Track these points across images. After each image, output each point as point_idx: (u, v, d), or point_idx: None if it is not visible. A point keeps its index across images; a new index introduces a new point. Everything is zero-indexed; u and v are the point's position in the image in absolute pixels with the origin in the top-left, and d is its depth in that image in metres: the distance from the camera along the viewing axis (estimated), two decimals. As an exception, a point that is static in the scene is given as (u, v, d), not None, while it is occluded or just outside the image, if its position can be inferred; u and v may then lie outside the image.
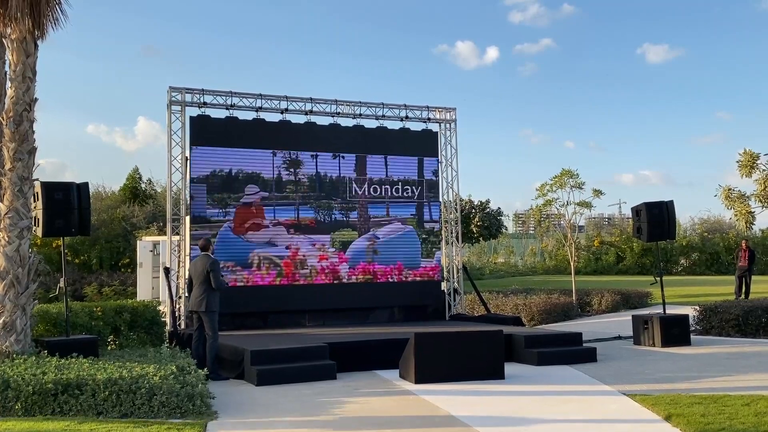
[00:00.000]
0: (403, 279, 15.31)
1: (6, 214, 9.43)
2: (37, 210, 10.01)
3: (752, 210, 15.53)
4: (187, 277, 11.42)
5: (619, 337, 13.92)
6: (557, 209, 20.15)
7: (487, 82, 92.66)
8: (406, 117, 15.89)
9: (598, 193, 19.53)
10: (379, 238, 15.19)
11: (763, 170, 15.12)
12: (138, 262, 20.58)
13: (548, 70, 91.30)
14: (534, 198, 20.65)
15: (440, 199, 16.08)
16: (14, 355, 8.92)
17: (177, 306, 13.22)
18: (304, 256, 14.51)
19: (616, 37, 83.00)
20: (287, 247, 14.40)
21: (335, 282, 14.71)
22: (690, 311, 14.30)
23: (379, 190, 15.33)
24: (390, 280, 15.18)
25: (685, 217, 38.89)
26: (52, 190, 10.07)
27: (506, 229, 35.66)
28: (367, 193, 15.22)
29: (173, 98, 13.90)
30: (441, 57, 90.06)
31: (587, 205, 19.66)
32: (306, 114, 15.06)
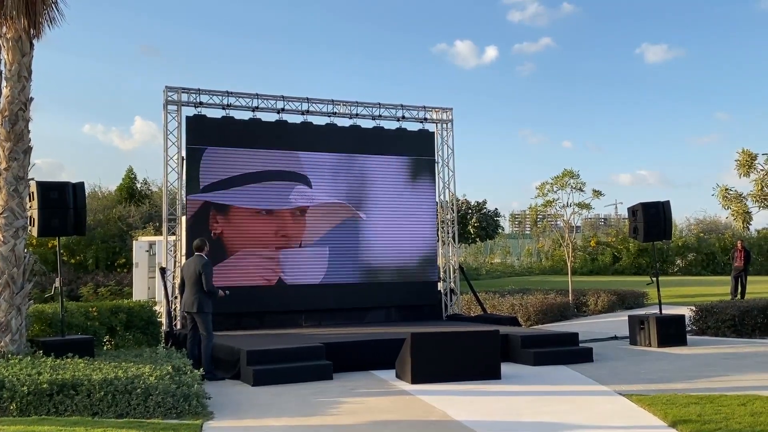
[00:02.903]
0: (401, 279, 15.30)
1: (1, 213, 9.40)
2: (33, 210, 9.98)
3: (749, 210, 15.55)
4: (179, 277, 11.41)
5: (616, 338, 13.93)
6: (557, 210, 20.14)
7: (486, 81, 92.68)
8: (403, 117, 15.89)
9: (597, 194, 19.49)
10: (378, 238, 15.18)
11: (761, 170, 15.14)
12: (134, 263, 20.54)
13: (547, 69, 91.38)
14: (533, 197, 20.64)
15: (437, 200, 16.08)
16: (9, 356, 8.87)
17: (173, 306, 13.20)
18: (301, 255, 14.49)
19: (616, 36, 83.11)
20: (286, 246, 14.38)
21: (331, 282, 14.69)
22: (686, 311, 14.33)
23: (375, 190, 15.31)
24: (388, 280, 15.17)
25: (681, 217, 38.99)
26: (47, 189, 10.04)
27: (503, 230, 35.69)
28: (363, 193, 15.20)
29: (169, 98, 13.88)
30: (440, 56, 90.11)
31: (586, 206, 19.67)
32: (303, 114, 15.05)
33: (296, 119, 15.00)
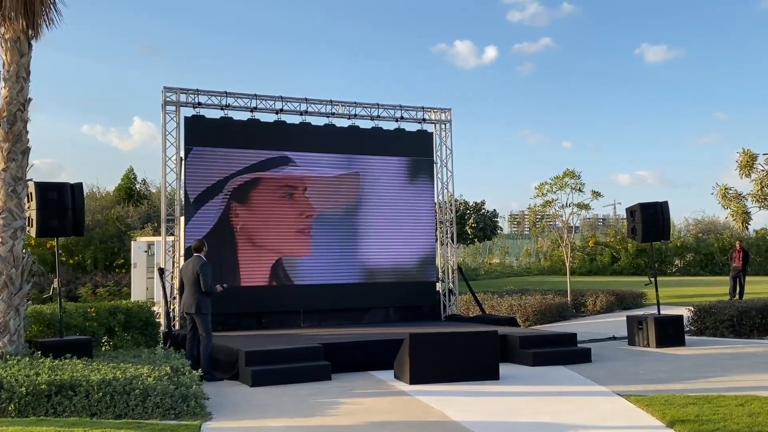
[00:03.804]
0: (400, 280, 15.30)
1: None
2: (31, 210, 9.97)
3: (748, 210, 15.53)
4: (178, 278, 11.41)
5: (614, 338, 13.94)
6: (555, 210, 20.12)
7: (485, 81, 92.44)
8: (401, 117, 15.90)
9: (596, 194, 19.45)
10: (376, 239, 15.17)
11: (761, 170, 15.13)
12: (132, 263, 20.54)
13: (547, 69, 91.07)
14: (532, 197, 20.62)
15: (435, 200, 16.08)
16: (7, 356, 8.88)
17: (171, 307, 13.20)
18: (299, 255, 14.49)
19: (616, 36, 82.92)
20: (283, 247, 14.38)
21: (330, 282, 14.68)
22: (684, 312, 14.33)
23: (373, 190, 15.31)
24: (386, 280, 15.17)
25: (679, 217, 38.97)
26: (45, 190, 10.03)
27: (501, 230, 35.68)
28: (361, 193, 15.20)
29: (168, 98, 13.88)
30: (440, 56, 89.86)
31: (585, 206, 19.66)
32: (301, 114, 15.05)
33: (295, 120, 15.01)
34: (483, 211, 30.69)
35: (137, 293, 19.47)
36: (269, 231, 14.30)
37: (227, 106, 14.41)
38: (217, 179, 13.98)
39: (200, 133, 13.98)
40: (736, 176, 15.72)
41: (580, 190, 19.30)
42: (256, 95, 14.61)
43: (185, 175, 13.72)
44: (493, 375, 9.66)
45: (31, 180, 9.90)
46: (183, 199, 13.74)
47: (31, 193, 9.95)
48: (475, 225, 29.68)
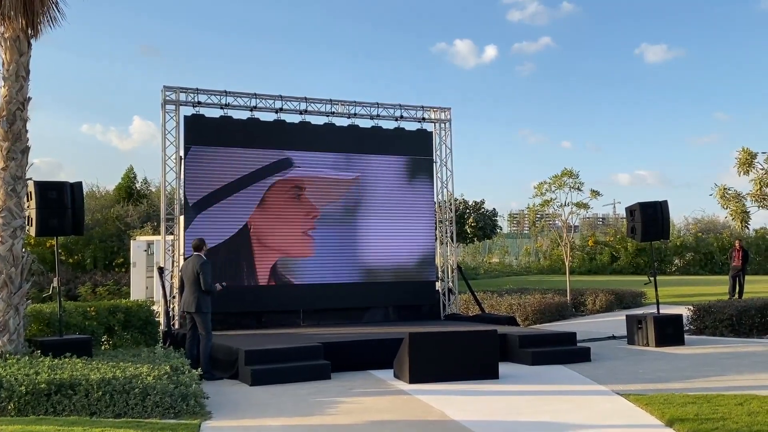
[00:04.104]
0: (400, 279, 15.30)
1: (-1, 213, 9.39)
2: (31, 209, 9.97)
3: (747, 210, 15.54)
4: (178, 277, 11.43)
5: (613, 337, 13.95)
6: (554, 209, 20.12)
7: (485, 81, 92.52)
8: (401, 117, 15.91)
9: (595, 194, 19.45)
10: (376, 238, 15.18)
11: (761, 170, 15.13)
12: (132, 262, 20.54)
13: (547, 69, 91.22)
14: (531, 197, 20.63)
15: (435, 199, 16.08)
16: (7, 355, 8.88)
17: (171, 306, 13.21)
18: (303, 255, 14.49)
19: (616, 36, 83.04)
20: (285, 247, 14.38)
21: (330, 281, 14.68)
22: (684, 311, 14.34)
23: (373, 189, 15.31)
24: (386, 279, 15.17)
25: (679, 217, 39.02)
26: (45, 189, 10.03)
27: (501, 229, 35.67)
28: (361, 192, 15.20)
29: (167, 97, 13.88)
30: (439, 56, 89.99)
31: (584, 206, 19.66)
32: (301, 113, 15.05)
33: (294, 119, 15.01)
34: (482, 210, 30.70)
35: (137, 292, 19.47)
36: (272, 231, 14.29)
37: (227, 106, 14.41)
38: (218, 179, 13.97)
39: (200, 132, 13.99)
40: (735, 176, 15.74)
41: (578, 189, 19.32)
42: (255, 94, 14.61)
43: (185, 174, 13.73)
44: (492, 374, 9.67)
45: (30, 179, 9.90)
46: (183, 199, 13.74)
47: (30, 192, 9.95)
48: (475, 224, 29.70)
